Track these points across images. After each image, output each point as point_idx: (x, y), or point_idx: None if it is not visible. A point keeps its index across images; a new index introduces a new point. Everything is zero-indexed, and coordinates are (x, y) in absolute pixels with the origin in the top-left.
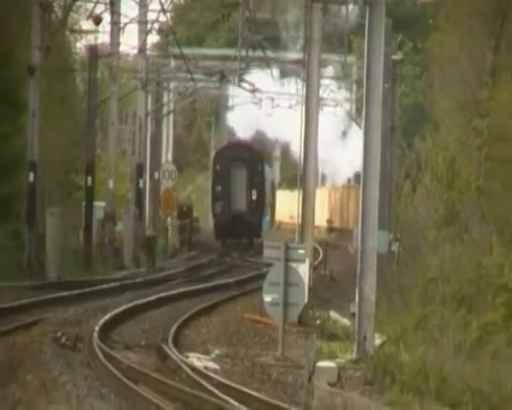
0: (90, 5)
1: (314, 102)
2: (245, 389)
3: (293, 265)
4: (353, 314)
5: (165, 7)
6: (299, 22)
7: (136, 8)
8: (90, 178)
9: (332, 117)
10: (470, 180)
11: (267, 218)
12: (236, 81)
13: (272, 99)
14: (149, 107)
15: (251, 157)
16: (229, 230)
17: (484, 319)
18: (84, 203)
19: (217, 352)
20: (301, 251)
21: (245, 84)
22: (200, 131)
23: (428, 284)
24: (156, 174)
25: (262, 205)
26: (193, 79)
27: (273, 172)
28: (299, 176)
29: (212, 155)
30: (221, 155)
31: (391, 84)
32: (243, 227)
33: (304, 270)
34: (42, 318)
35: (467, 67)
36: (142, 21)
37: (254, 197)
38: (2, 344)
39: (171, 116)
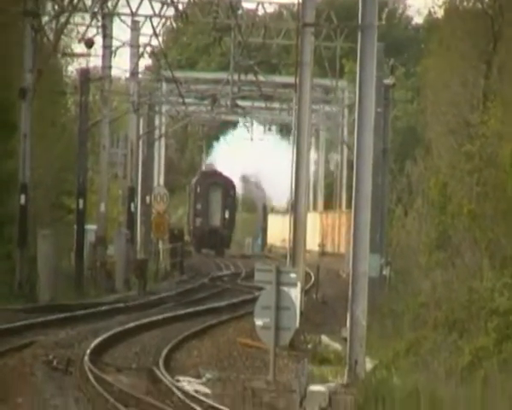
0: (82, 28)
1: (305, 127)
2: None
3: (285, 289)
4: (345, 338)
5: (157, 30)
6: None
7: (128, 31)
8: (81, 201)
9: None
10: (462, 204)
11: (259, 241)
12: (228, 105)
13: (264, 124)
14: (141, 130)
15: (225, 183)
16: (206, 241)
17: (475, 343)
18: (75, 226)
19: (208, 375)
20: (293, 275)
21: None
22: (191, 155)
23: (420, 309)
24: (148, 198)
25: (232, 222)
26: (185, 103)
27: (265, 198)
28: (291, 201)
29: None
30: (201, 179)
31: (383, 109)
32: (217, 239)
33: (295, 294)
34: (33, 340)
35: (458, 90)
36: (134, 45)
37: (227, 215)
38: None
39: (163, 139)
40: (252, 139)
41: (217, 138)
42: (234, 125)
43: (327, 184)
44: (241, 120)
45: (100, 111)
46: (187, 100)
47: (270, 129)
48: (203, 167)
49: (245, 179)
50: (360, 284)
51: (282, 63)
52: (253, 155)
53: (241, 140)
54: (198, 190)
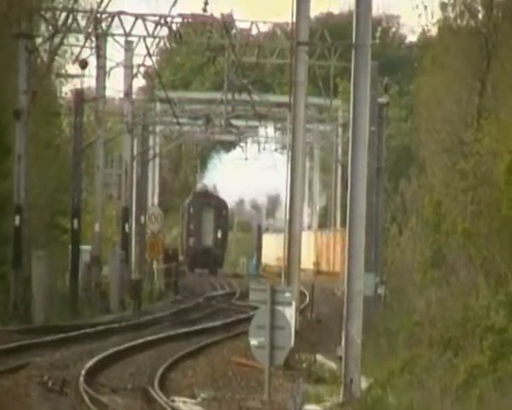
0: (76, 49)
1: (300, 146)
2: None
3: (280, 308)
4: (340, 357)
5: (151, 51)
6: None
7: (122, 51)
8: (76, 222)
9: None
10: (456, 223)
11: (253, 261)
12: (223, 124)
13: (258, 143)
14: (135, 150)
15: (218, 204)
16: (199, 260)
17: (470, 361)
18: (70, 246)
19: (203, 395)
20: (287, 294)
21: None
22: (185, 175)
23: (415, 327)
24: (142, 218)
25: (225, 242)
26: (178, 123)
27: (260, 217)
28: (286, 220)
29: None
30: (194, 200)
31: (377, 127)
32: (210, 259)
33: (290, 313)
34: (28, 362)
35: (452, 108)
36: (128, 65)
37: (219, 235)
38: None
39: (157, 160)
40: (246, 159)
41: (211, 158)
42: (228, 144)
43: (321, 202)
44: (235, 139)
45: (94, 132)
46: (181, 120)
47: (264, 148)
48: (197, 188)
49: (240, 200)
50: (355, 303)
51: (276, 82)
52: (247, 175)
53: (235, 160)
54: (191, 210)
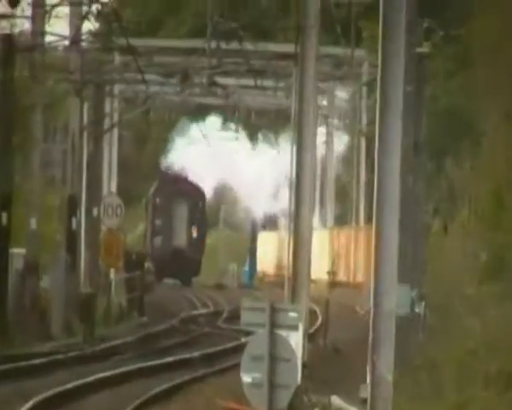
0: None
1: (310, 113)
2: None
3: (283, 333)
4: (364, 401)
5: None
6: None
7: None
8: (4, 216)
9: None
10: None
11: (246, 268)
12: (204, 83)
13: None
14: (86, 119)
15: (192, 192)
16: (169, 267)
17: None
18: None
19: None
20: (293, 314)
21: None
22: (155, 152)
23: (466, 358)
24: (95, 210)
25: (202, 242)
26: (145, 81)
27: (255, 210)
28: (290, 213)
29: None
30: (161, 188)
31: (415, 86)
32: (183, 264)
33: (296, 340)
34: None
35: None
36: (76, 2)
37: (194, 234)
38: None
39: (116, 131)
40: (237, 131)
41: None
42: (212, 110)
43: (339, 190)
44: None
45: (30, 93)
46: (148, 77)
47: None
48: (164, 171)
49: (227, 186)
50: (385, 326)
51: (277, 26)
52: (237, 153)
53: (220, 132)
54: (157, 200)
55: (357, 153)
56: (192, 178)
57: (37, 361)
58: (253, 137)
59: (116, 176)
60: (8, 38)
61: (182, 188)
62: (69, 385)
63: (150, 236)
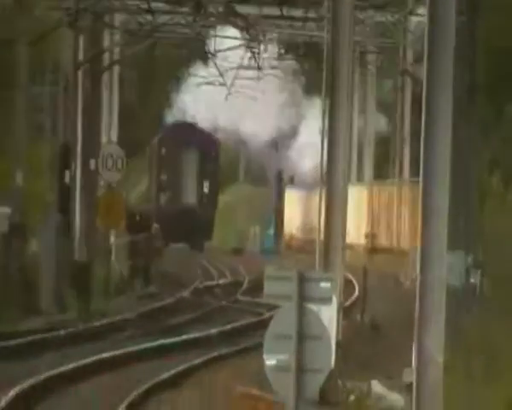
0: None
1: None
2: None
3: (313, 307)
4: (409, 386)
5: None
6: None
7: None
8: None
9: None
10: None
11: (270, 231)
12: (221, 12)
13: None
14: (81, 55)
15: (203, 141)
16: (176, 229)
17: None
18: None
19: None
20: (325, 284)
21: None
22: (162, 95)
23: None
24: (92, 162)
25: (215, 199)
26: (151, 10)
27: (280, 163)
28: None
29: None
30: (168, 136)
31: (470, 17)
32: (193, 225)
33: (329, 315)
34: None
35: None
36: None
37: (206, 189)
38: None
39: (117, 70)
40: (259, 68)
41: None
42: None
43: (379, 141)
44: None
45: (14, 23)
46: (154, 5)
47: (287, 52)
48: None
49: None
50: (434, 299)
51: None
52: (260, 95)
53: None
54: (163, 151)
55: (402, 96)
56: (204, 124)
57: (23, 340)
58: (278, 77)
59: (117, 123)
60: None
61: (191, 135)
62: (62, 368)
63: (155, 192)
